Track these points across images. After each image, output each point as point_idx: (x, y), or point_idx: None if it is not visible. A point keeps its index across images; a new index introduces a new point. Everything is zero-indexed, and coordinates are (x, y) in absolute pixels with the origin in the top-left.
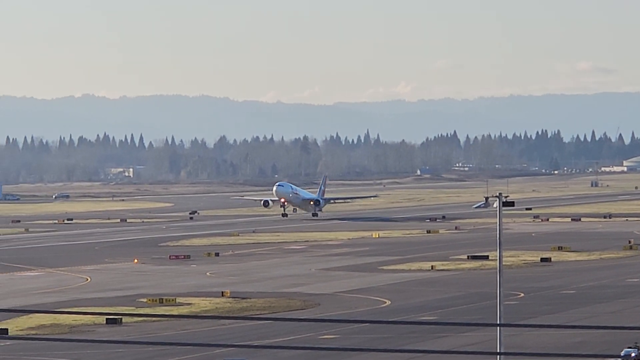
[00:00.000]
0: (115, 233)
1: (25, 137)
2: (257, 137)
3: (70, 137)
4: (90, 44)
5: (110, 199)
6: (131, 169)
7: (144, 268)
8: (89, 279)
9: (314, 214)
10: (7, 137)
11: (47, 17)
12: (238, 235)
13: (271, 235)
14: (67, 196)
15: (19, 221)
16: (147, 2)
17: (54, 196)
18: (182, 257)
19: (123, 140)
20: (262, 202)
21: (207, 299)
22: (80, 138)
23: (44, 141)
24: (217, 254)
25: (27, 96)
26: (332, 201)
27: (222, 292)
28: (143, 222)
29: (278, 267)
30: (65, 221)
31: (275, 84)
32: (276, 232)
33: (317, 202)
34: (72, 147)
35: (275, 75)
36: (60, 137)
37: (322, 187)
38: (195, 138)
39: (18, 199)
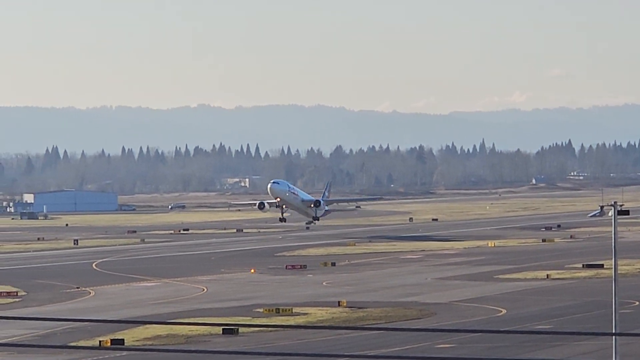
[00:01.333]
0: (232, 243)
1: (140, 148)
2: (373, 147)
3: (186, 147)
4: (206, 54)
5: (227, 209)
6: (247, 179)
7: (261, 278)
8: (206, 289)
9: (314, 219)
10: (123, 147)
11: (152, 29)
12: (354, 245)
13: (387, 245)
14: (183, 206)
15: (134, 232)
16: (255, 10)
17: (169, 206)
18: (299, 267)
19: (239, 150)
20: (257, 204)
21: (324, 308)
22: (196, 148)
23: (160, 151)
24: (333, 264)
25: (142, 106)
26: (335, 204)
27: (339, 302)
28: (259, 232)
29: (394, 277)
30: (181, 231)
31: (390, 94)
32: (392, 241)
33: (317, 204)
34: (188, 157)
35: (391, 85)
36: (176, 147)
37: (326, 193)
38: (311, 148)
39: (134, 210)
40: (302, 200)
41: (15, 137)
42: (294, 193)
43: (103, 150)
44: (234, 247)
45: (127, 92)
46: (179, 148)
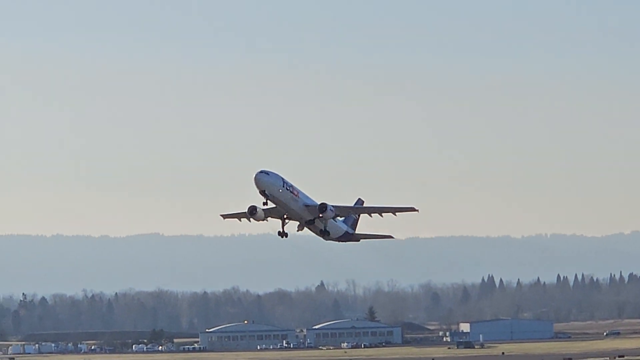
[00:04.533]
0: None
1: (575, 275)
2: None
3: (620, 274)
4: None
5: None
6: None
7: None
8: None
9: (322, 234)
10: (558, 275)
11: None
12: None
13: None
14: (618, 333)
15: (570, 359)
16: None
17: (604, 333)
18: None
19: None
20: (247, 208)
21: None
22: (630, 275)
23: (594, 279)
24: None
25: (576, 234)
26: (351, 214)
27: None
28: None
29: None
30: (616, 358)
31: None
32: None
33: (322, 209)
34: (623, 284)
35: None
36: (611, 275)
37: (354, 217)
38: None
39: (569, 337)
40: (305, 205)
41: (451, 267)
42: (292, 192)
43: (538, 278)
44: None
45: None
46: (614, 275)
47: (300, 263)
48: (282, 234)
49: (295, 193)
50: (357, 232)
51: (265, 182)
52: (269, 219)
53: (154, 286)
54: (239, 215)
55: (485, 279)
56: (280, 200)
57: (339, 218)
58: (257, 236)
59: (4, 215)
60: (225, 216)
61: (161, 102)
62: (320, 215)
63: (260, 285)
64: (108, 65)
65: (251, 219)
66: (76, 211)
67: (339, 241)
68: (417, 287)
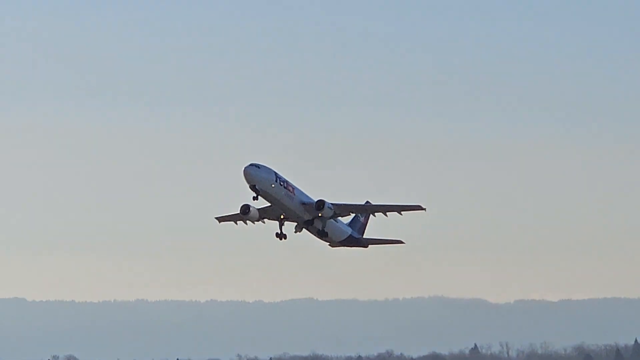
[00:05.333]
0: None
1: None
2: None
3: None
4: None
5: None
6: None
7: None
8: None
9: (320, 235)
10: None
11: None
12: None
13: None
14: None
15: None
16: None
17: None
18: None
19: None
20: (240, 208)
21: None
22: None
23: None
24: None
25: None
26: (351, 213)
27: None
28: None
29: None
30: None
31: None
32: None
33: (320, 206)
34: None
35: None
36: None
37: (361, 220)
38: None
39: None
40: (302, 203)
41: (604, 329)
42: (286, 187)
43: None
44: None
45: None
46: None
47: (453, 325)
48: (281, 236)
49: (291, 189)
50: (368, 237)
51: (255, 175)
52: (265, 220)
53: (308, 350)
54: (233, 218)
55: (639, 340)
56: (273, 196)
57: (341, 219)
58: (410, 300)
59: (161, 281)
60: (220, 219)
61: None
62: (320, 214)
63: (414, 349)
64: None
65: (247, 221)
66: (230, 278)
67: (343, 246)
68: (570, 349)
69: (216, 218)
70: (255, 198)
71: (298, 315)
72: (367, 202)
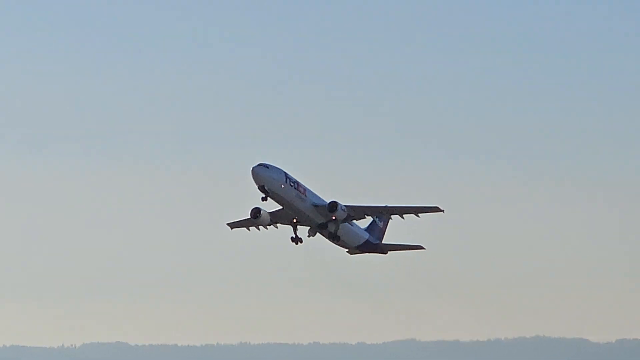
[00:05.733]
0: None
1: None
2: None
3: None
4: None
5: None
6: None
7: None
8: None
9: (331, 238)
10: None
11: None
12: None
13: None
14: None
15: None
16: None
17: None
18: None
19: None
20: (250, 211)
21: None
22: None
23: None
24: None
25: None
26: (367, 216)
27: None
28: None
29: None
30: None
31: None
32: None
33: (332, 208)
34: None
35: None
36: None
37: (379, 225)
38: None
39: None
40: (314, 205)
41: None
42: (297, 188)
43: None
44: None
45: None
46: None
47: None
48: (296, 240)
49: (302, 190)
50: (387, 242)
51: (264, 176)
52: (278, 225)
53: None
54: (245, 224)
55: None
56: (283, 198)
57: (357, 224)
58: (512, 340)
59: (264, 324)
60: (232, 225)
61: None
62: (334, 217)
63: None
64: None
65: (259, 226)
66: (332, 318)
67: (361, 252)
68: None
69: (228, 224)
70: (264, 199)
71: (400, 357)
72: (385, 206)
